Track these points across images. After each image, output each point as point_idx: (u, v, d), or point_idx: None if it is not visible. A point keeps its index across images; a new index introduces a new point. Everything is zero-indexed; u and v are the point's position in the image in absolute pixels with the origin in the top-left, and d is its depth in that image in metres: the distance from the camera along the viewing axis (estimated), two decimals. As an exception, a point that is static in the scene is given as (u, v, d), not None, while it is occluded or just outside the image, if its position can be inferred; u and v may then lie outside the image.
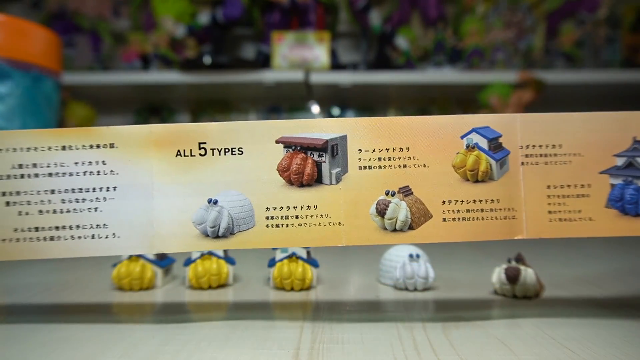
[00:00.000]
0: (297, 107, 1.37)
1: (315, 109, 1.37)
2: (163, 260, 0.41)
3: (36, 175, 0.29)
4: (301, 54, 1.15)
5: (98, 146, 0.29)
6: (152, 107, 1.38)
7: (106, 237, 0.29)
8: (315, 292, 0.38)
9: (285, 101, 1.37)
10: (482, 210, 0.30)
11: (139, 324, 0.30)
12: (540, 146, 0.30)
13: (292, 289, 0.39)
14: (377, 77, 1.15)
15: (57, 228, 0.29)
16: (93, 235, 0.29)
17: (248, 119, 1.38)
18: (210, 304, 0.36)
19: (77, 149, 0.29)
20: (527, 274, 0.36)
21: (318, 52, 1.16)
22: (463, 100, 1.32)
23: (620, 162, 0.30)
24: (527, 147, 0.30)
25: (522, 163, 0.30)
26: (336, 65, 1.19)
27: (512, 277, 0.36)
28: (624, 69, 1.14)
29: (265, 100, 1.37)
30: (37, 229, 0.29)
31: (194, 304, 0.36)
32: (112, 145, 0.29)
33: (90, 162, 0.29)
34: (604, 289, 0.40)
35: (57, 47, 0.76)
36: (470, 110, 1.31)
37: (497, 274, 0.37)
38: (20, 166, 0.29)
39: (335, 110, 1.36)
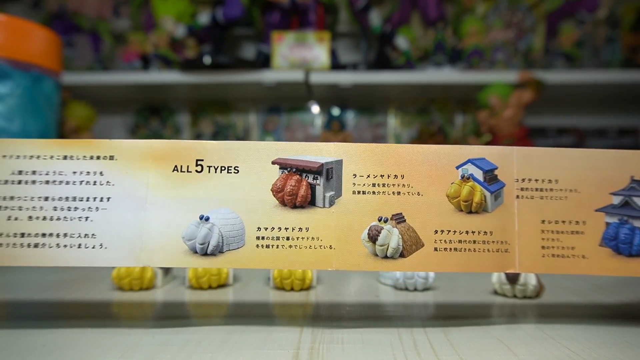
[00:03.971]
0: (297, 107, 1.37)
1: (315, 109, 1.37)
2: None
3: (33, 182, 0.29)
4: (301, 54, 1.15)
5: (98, 157, 0.29)
6: (152, 107, 1.38)
7: (92, 247, 0.28)
8: (315, 292, 0.38)
9: (285, 101, 1.37)
10: (474, 241, 0.29)
11: (138, 324, 0.30)
12: (537, 180, 0.30)
13: (292, 289, 0.39)
14: (377, 77, 1.15)
15: (43, 235, 0.29)
16: (79, 245, 0.28)
17: (248, 119, 1.38)
18: (210, 304, 0.36)
19: (78, 159, 0.29)
20: (527, 274, 0.36)
21: (318, 52, 1.16)
22: (463, 101, 1.32)
23: (616, 200, 0.29)
24: (523, 180, 0.30)
25: (517, 196, 0.29)
26: (336, 65, 1.19)
27: (512, 277, 0.36)
28: (623, 69, 1.14)
29: (265, 100, 1.37)
30: (22, 235, 0.29)
31: (194, 304, 0.36)
32: (111, 157, 0.29)
33: (88, 172, 0.29)
34: (605, 290, 0.40)
35: (57, 47, 0.76)
36: (470, 110, 1.31)
37: (497, 274, 0.37)
38: (20, 172, 0.29)
39: (335, 110, 1.36)
